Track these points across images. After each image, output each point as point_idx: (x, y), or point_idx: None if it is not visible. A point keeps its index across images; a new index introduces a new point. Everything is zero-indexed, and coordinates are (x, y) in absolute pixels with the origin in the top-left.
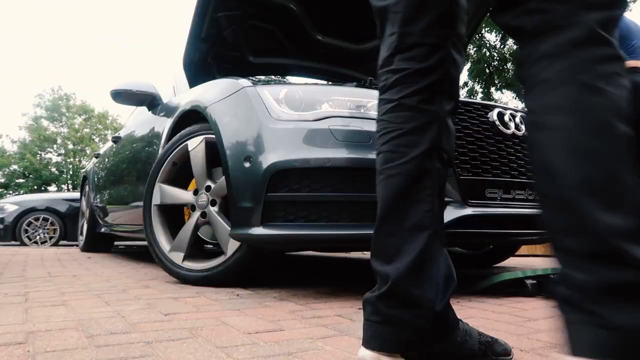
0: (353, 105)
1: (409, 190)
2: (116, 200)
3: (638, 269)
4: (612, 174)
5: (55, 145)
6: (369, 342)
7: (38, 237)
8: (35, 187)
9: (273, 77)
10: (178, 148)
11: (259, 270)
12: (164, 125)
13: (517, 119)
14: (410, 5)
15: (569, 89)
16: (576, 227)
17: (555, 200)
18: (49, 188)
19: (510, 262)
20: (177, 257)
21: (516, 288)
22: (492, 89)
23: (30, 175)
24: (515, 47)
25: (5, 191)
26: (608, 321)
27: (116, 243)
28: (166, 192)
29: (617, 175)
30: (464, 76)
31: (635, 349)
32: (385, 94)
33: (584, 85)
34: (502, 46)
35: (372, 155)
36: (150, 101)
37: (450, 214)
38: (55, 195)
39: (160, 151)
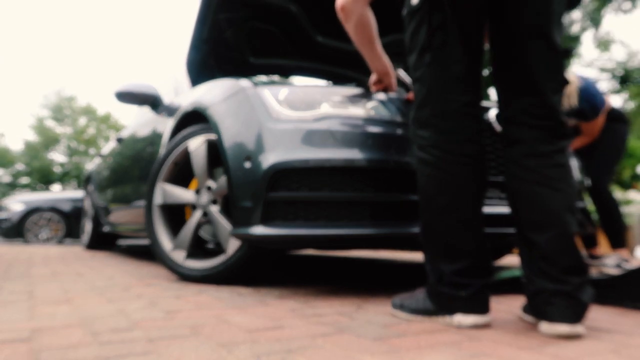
0: (353, 106)
1: None
2: (119, 200)
3: None
4: None
5: (60, 146)
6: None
7: (43, 236)
8: (41, 187)
9: (274, 77)
10: (179, 148)
11: (260, 269)
12: (165, 125)
13: None
14: None
15: None
16: None
17: None
18: (53, 187)
19: (508, 260)
20: (179, 256)
21: (514, 286)
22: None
23: (35, 175)
24: None
25: (11, 190)
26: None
27: (119, 242)
28: (168, 192)
29: None
30: None
31: None
32: None
33: None
34: None
35: (371, 155)
36: (152, 102)
37: None
38: (59, 195)
39: (162, 151)
